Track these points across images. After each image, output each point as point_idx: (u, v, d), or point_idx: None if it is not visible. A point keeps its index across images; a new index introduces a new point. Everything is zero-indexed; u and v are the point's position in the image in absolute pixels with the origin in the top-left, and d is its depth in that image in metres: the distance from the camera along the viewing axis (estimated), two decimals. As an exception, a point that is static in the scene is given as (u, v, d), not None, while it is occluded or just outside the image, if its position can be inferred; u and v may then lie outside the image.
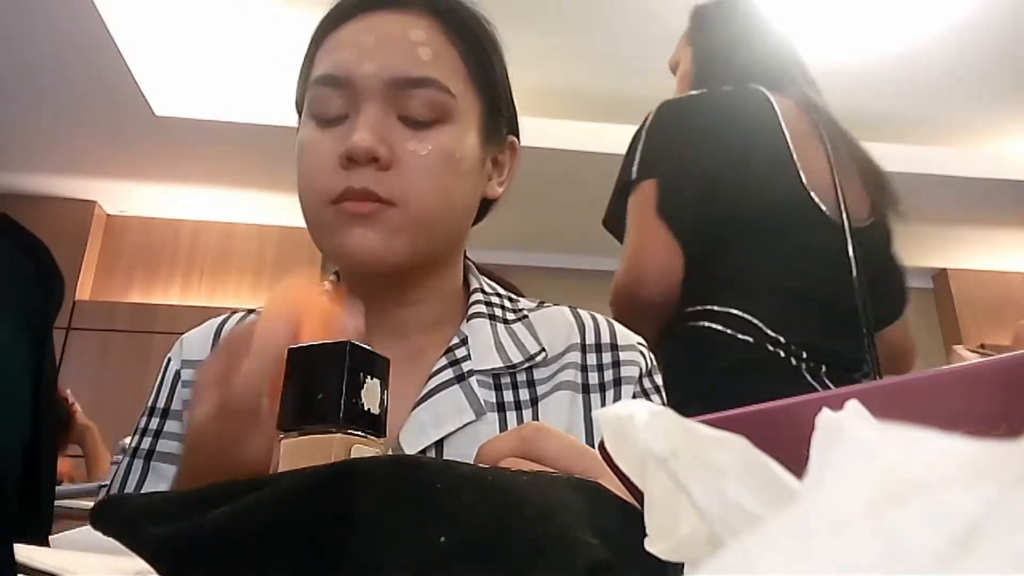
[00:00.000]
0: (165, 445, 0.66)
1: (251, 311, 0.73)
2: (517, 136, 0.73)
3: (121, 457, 0.68)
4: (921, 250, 3.96)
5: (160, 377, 0.70)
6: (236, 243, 3.81)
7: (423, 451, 0.61)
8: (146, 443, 0.67)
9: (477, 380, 0.64)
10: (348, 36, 0.63)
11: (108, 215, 3.78)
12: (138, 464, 0.66)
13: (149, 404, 0.69)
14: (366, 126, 0.60)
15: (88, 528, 0.29)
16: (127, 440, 1.99)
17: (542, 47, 2.80)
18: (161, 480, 0.65)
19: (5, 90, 2.83)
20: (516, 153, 0.72)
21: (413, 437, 0.61)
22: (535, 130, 3.17)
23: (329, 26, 0.66)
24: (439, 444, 0.61)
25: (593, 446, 0.61)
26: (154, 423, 0.68)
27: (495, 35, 0.71)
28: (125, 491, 0.64)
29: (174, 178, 3.48)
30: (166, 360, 0.71)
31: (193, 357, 0.69)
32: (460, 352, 0.65)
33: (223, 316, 0.73)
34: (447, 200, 0.62)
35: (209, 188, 3.56)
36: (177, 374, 0.69)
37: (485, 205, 0.72)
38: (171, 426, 0.67)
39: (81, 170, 3.40)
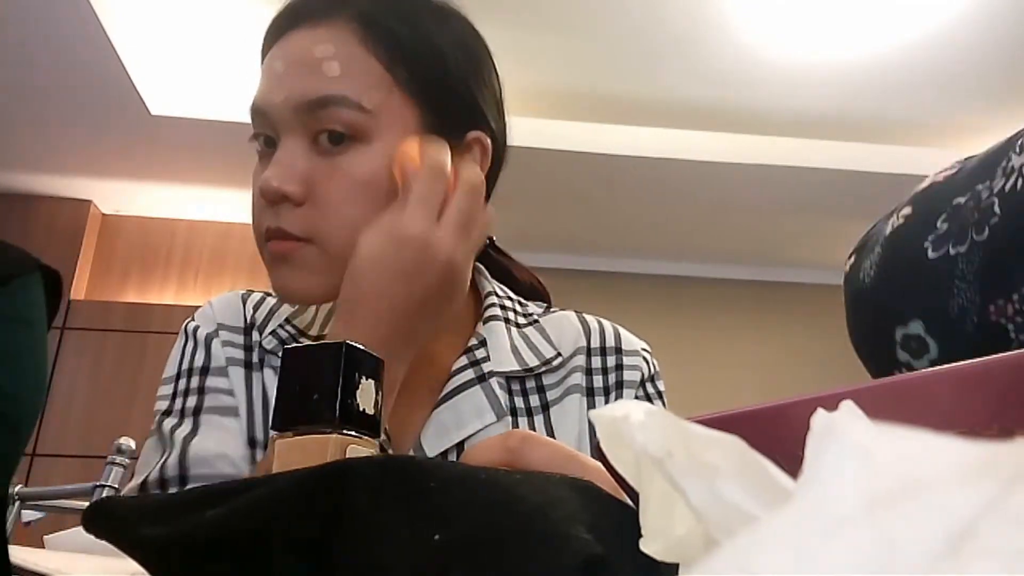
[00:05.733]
0: (217, 399, 0.64)
1: (268, 294, 0.71)
2: (490, 130, 0.65)
3: (118, 457, 0.67)
4: (916, 251, 3.97)
5: (185, 343, 0.68)
6: (232, 243, 3.80)
7: (444, 453, 0.61)
8: (191, 402, 0.64)
9: (496, 382, 0.64)
10: (268, 63, 0.62)
11: (103, 214, 3.77)
12: (187, 422, 0.63)
13: (181, 367, 0.66)
14: (276, 163, 0.58)
15: (82, 529, 0.29)
16: (123, 440, 1.98)
17: (539, 47, 2.80)
18: (220, 431, 0.62)
19: (1, 88, 2.82)
20: (486, 149, 0.64)
21: (435, 439, 0.61)
22: (533, 131, 3.18)
23: (265, 47, 0.64)
24: (460, 447, 0.61)
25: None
26: (195, 381, 0.65)
27: (451, 23, 0.65)
28: (174, 448, 0.61)
29: (170, 178, 3.47)
30: (191, 328, 0.68)
31: (228, 322, 0.68)
32: (480, 353, 0.65)
33: (243, 291, 0.72)
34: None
35: (205, 188, 3.55)
36: (210, 336, 0.67)
37: None
38: (216, 382, 0.65)
39: (76, 169, 3.39)
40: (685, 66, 2.86)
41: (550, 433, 0.64)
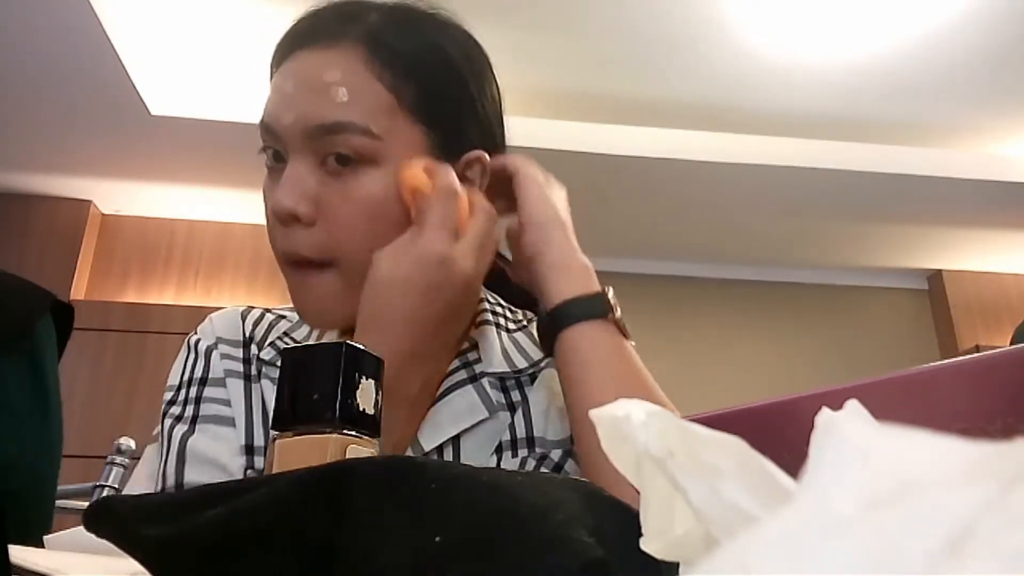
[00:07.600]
0: (211, 408, 0.66)
1: (267, 310, 0.75)
2: (491, 148, 0.67)
3: (118, 457, 0.67)
4: (916, 251, 3.97)
5: (187, 355, 0.70)
6: (232, 243, 3.80)
7: (440, 446, 0.63)
8: (188, 411, 0.67)
9: (488, 381, 0.67)
10: (278, 80, 0.64)
11: (103, 214, 3.77)
12: (181, 428, 0.65)
13: (181, 379, 0.69)
14: (286, 183, 0.60)
15: (82, 528, 0.29)
16: (123, 440, 1.98)
17: (538, 47, 2.80)
18: (215, 439, 0.64)
19: (1, 88, 2.82)
20: (486, 168, 0.66)
21: (431, 434, 0.63)
22: (532, 131, 3.18)
23: (276, 62, 0.66)
24: (456, 441, 0.64)
25: (574, 435, 0.63)
26: (192, 391, 0.68)
27: (455, 37, 0.66)
28: (172, 446, 0.64)
29: (170, 178, 3.47)
30: (192, 340, 0.71)
31: (227, 336, 0.70)
32: (472, 355, 0.68)
33: (243, 307, 0.74)
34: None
35: (205, 188, 3.55)
36: (210, 348, 0.69)
37: None
38: (213, 392, 0.67)
39: (76, 169, 3.39)
40: (684, 66, 2.86)
41: (529, 421, 0.66)
